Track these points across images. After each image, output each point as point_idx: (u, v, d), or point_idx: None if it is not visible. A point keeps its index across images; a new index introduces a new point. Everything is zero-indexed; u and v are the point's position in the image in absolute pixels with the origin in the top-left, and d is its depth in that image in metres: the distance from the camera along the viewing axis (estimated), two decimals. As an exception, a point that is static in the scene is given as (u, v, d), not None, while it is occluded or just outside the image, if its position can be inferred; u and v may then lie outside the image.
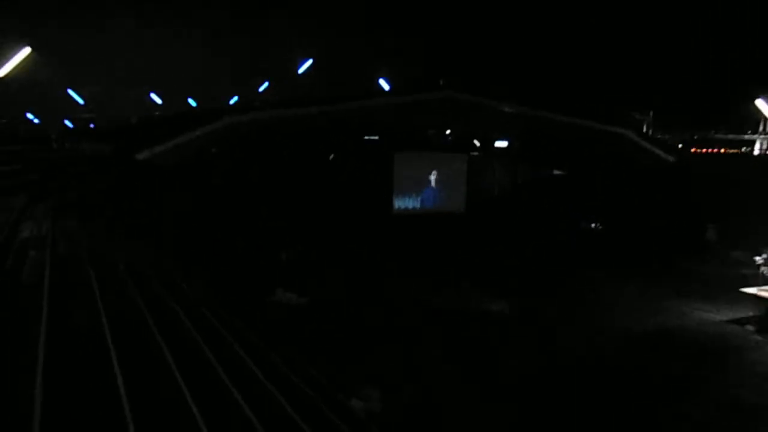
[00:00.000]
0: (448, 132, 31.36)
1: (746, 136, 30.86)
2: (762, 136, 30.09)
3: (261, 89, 40.18)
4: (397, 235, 23.06)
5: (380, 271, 17.05)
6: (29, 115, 32.81)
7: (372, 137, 29.20)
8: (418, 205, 28.38)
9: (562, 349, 11.19)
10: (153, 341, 5.11)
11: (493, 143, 31.14)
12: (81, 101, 33.53)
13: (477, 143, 30.95)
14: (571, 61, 32.66)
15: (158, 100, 39.17)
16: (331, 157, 28.28)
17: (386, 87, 32.56)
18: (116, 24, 31.28)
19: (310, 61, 34.15)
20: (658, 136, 28.12)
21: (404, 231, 24.38)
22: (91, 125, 32.03)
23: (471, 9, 34.49)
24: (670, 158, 26.60)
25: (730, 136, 31.41)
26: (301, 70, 34.19)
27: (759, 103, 26.42)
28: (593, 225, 23.81)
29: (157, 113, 37.51)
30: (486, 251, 20.60)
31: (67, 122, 32.34)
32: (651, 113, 32.56)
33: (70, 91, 32.74)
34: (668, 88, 31.35)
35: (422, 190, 28.41)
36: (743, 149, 31.38)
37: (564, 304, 14.50)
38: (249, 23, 35.67)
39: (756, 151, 30.41)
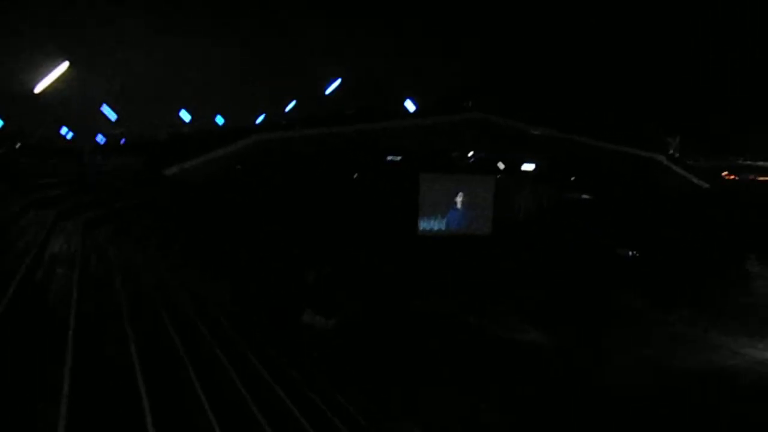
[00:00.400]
0: (472, 154, 31.06)
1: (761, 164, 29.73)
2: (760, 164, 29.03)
3: (288, 109, 40.47)
4: (422, 257, 22.61)
5: (407, 294, 16.54)
6: (63, 130, 33.51)
7: (397, 157, 29.05)
8: (443, 227, 27.91)
9: (611, 388, 10.29)
10: (186, 377, 4.75)
11: (520, 166, 30.68)
12: (113, 117, 34.20)
13: (503, 166, 30.51)
14: (601, 84, 32.11)
15: (187, 118, 39.75)
16: (355, 175, 28.15)
17: (412, 107, 32.42)
18: (149, 42, 31.97)
19: (338, 81, 34.22)
20: (689, 162, 27.26)
21: (430, 252, 23.93)
22: (122, 141, 32.59)
23: (499, 30, 34.35)
24: (704, 185, 25.74)
25: (760, 163, 30.28)
26: (328, 91, 34.27)
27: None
28: (630, 252, 22.90)
29: (185, 130, 38.05)
30: (516, 275, 19.91)
31: (99, 137, 32.95)
32: (678, 137, 31.75)
33: (103, 108, 33.43)
34: (695, 112, 30.49)
35: (448, 212, 27.98)
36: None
37: (605, 336, 13.68)
38: (278, 42, 36.10)
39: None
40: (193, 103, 38.48)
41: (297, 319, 11.71)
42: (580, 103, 30.94)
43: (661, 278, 19.02)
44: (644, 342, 13.24)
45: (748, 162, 30.44)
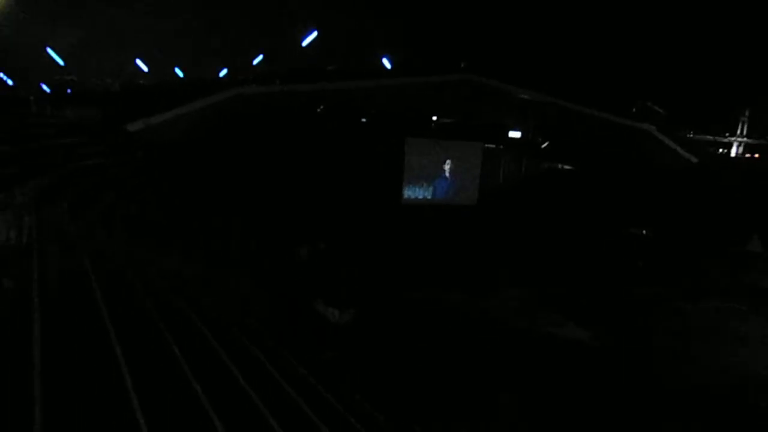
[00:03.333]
0: (458, 119, 29.66)
1: (724, 139, 29.85)
2: (739, 139, 29.27)
3: (255, 62, 37.51)
4: (410, 229, 21.22)
5: (411, 274, 15.00)
6: (2, 75, 29.61)
7: (382, 119, 27.26)
8: (429, 195, 26.56)
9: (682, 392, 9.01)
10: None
11: (507, 133, 29.48)
12: (61, 62, 30.36)
13: (491, 133, 29.24)
14: (589, 52, 30.99)
15: (144, 68, 36.19)
16: (340, 137, 26.23)
17: (388, 66, 30.30)
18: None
19: (314, 33, 31.45)
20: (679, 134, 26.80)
21: (417, 224, 22.58)
22: (68, 91, 29.14)
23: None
24: (693, 158, 25.31)
25: (708, 138, 30.28)
26: (305, 43, 31.47)
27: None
28: (643, 231, 21.95)
29: (142, 81, 34.70)
30: (518, 252, 18.70)
31: (43, 86, 29.26)
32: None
33: (49, 50, 29.59)
34: (673, 86, 30.00)
35: (434, 180, 26.52)
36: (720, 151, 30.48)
37: (646, 329, 12.49)
38: None
39: (732, 154, 29.63)
40: (150, 53, 35.08)
41: (300, 306, 10.22)
42: (571, 72, 29.82)
43: (677, 261, 18.31)
44: (690, 335, 12.23)
45: (698, 137, 30.37)
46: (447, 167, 26.25)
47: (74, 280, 4.51)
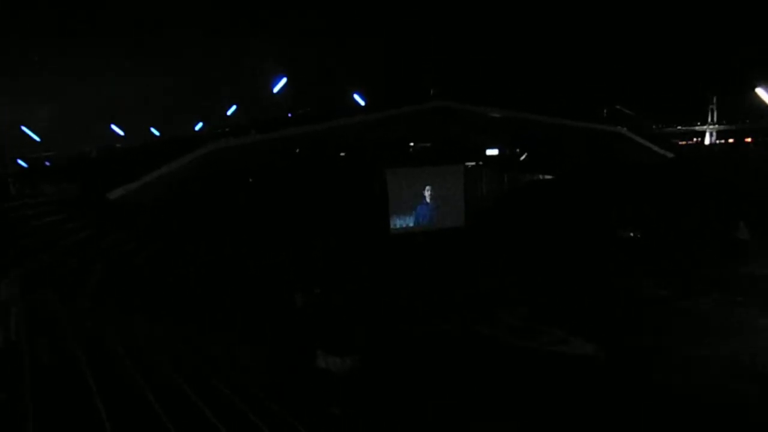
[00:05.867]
0: (436, 144, 30.07)
1: (697, 128, 30.49)
2: (711, 127, 29.87)
3: (229, 113, 37.94)
4: (401, 259, 21.11)
5: (410, 306, 14.93)
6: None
7: (360, 153, 27.52)
8: (413, 223, 26.64)
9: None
10: None
11: (485, 151, 29.95)
12: (37, 138, 30.43)
13: (493, 151, 29.70)
14: (551, 62, 31.80)
15: (120, 132, 36.37)
16: (319, 178, 26.39)
17: (362, 102, 30.81)
18: (71, 55, 28.84)
19: (284, 79, 32.04)
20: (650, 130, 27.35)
21: (408, 252, 22.52)
22: (47, 163, 29.06)
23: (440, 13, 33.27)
24: (669, 154, 25.81)
25: (679, 128, 30.90)
26: (276, 89, 32.00)
27: (759, 91, 25.82)
28: (632, 233, 22.15)
29: (118, 145, 34.76)
30: (510, 270, 18.68)
31: (20, 161, 29.16)
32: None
33: (24, 128, 29.66)
34: (638, 83, 30.67)
35: (417, 207, 26.73)
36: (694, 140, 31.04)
37: (657, 334, 12.08)
38: (212, 44, 33.55)
39: (706, 142, 30.02)
40: (125, 116, 35.30)
41: (301, 361, 9.95)
42: (534, 82, 30.50)
43: (667, 259, 18.42)
44: (706, 336, 11.78)
45: (669, 129, 30.94)
46: (429, 193, 26.47)
47: (68, 378, 4.39)
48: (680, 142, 29.26)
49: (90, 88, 30.53)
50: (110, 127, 35.05)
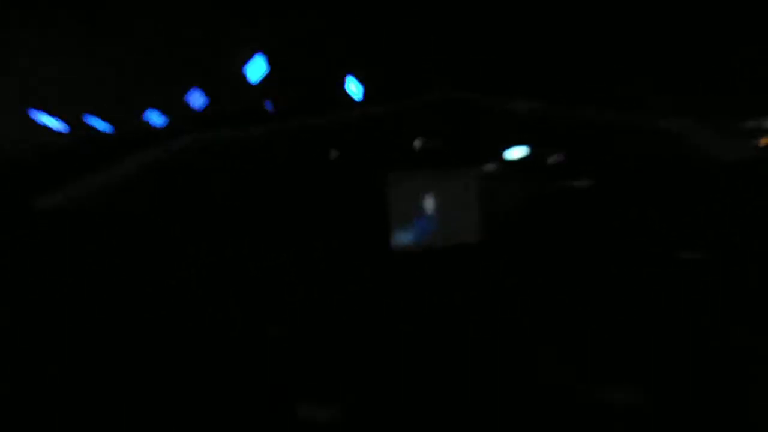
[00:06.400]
0: (442, 143, 26.17)
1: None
2: None
3: (196, 104, 32.94)
4: (402, 280, 17.42)
5: (413, 339, 11.44)
6: None
7: (357, 155, 23.51)
8: (421, 238, 22.73)
9: None
10: None
11: (503, 153, 26.03)
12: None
13: (487, 155, 25.69)
14: (584, 44, 28.15)
15: (56, 125, 30.66)
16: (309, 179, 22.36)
17: (359, 92, 26.62)
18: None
19: (264, 64, 27.33)
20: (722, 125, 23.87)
21: (412, 274, 18.71)
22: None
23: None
24: (747, 155, 22.47)
25: (750, 125, 28.01)
26: (253, 74, 27.27)
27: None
28: (699, 255, 18.51)
29: (58, 140, 29.51)
30: (543, 298, 14.97)
31: None
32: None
33: None
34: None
35: (424, 219, 23.06)
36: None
37: (733, 394, 8.66)
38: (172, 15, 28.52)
39: None
40: (60, 107, 29.96)
41: (278, 408, 6.83)
42: (564, 74, 26.79)
43: (745, 288, 14.81)
44: None
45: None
46: (438, 201, 22.63)
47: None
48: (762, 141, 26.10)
49: (17, 73, 25.53)
50: (39, 120, 29.60)
